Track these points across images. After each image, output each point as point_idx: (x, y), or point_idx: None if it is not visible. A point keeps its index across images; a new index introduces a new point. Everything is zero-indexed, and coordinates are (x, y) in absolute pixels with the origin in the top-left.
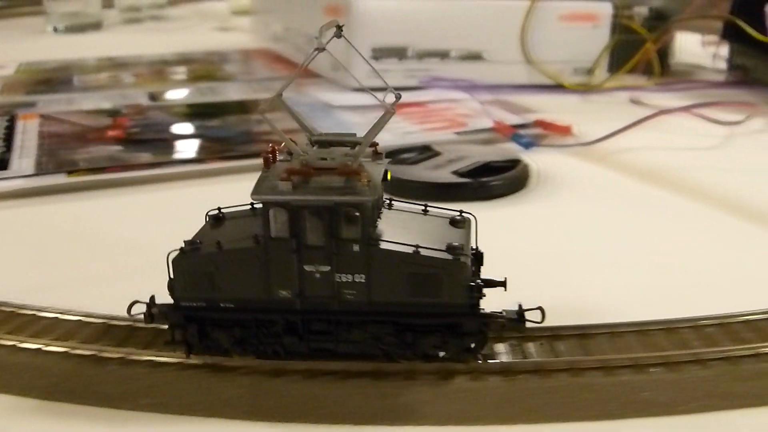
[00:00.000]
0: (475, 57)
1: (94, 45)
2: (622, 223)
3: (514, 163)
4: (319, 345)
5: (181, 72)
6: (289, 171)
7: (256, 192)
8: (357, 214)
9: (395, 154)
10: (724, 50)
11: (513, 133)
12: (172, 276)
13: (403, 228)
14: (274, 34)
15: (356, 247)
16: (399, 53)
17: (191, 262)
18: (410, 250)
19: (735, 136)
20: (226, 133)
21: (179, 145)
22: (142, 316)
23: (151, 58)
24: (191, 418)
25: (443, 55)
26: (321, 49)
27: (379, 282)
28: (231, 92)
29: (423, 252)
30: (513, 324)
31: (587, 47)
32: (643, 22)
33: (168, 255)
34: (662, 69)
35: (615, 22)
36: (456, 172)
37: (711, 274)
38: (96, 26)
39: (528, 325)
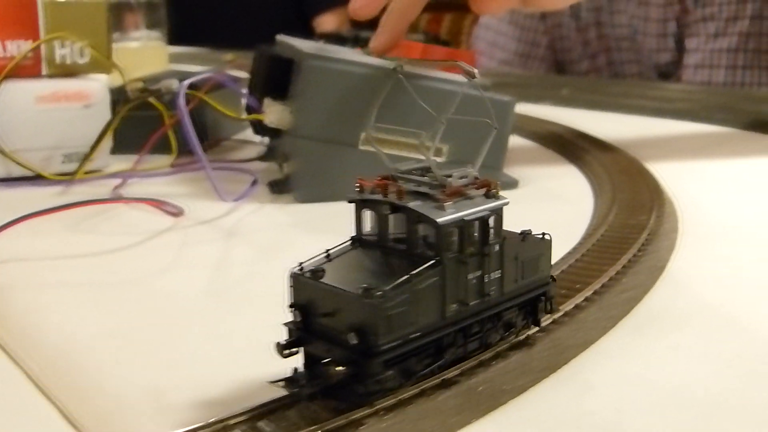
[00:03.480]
0: None
1: None
2: None
3: None
4: (473, 347)
5: None
6: (451, 194)
7: (441, 217)
8: (500, 216)
9: None
10: None
11: None
12: (374, 321)
13: None
14: None
15: (497, 247)
16: None
17: (393, 302)
18: (521, 238)
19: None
20: None
21: None
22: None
23: None
24: None
25: None
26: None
27: (507, 273)
28: None
29: (529, 238)
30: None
31: (80, 130)
32: (172, 96)
33: (363, 302)
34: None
35: (125, 98)
36: None
37: None
38: None
39: None
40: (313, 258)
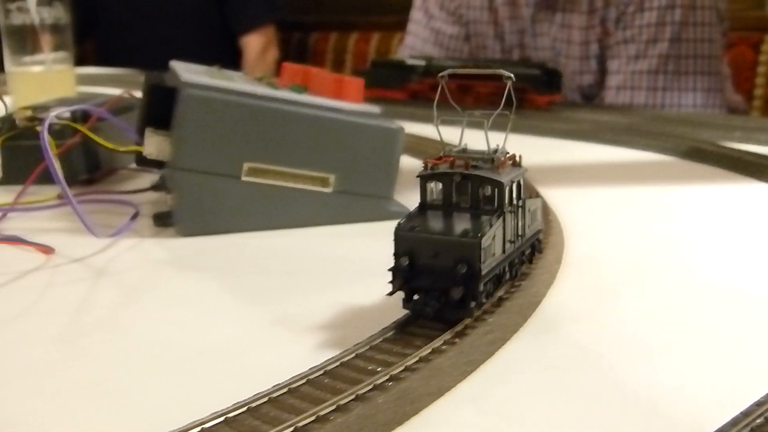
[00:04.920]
0: None
1: None
2: None
3: None
4: (512, 275)
5: None
6: (500, 165)
7: (504, 179)
8: (525, 179)
9: None
10: None
11: None
12: (476, 253)
13: None
14: None
15: (523, 201)
16: None
17: (486, 239)
18: (528, 196)
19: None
20: None
21: None
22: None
23: None
24: None
25: None
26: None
27: (526, 221)
28: None
29: (533, 196)
30: None
31: None
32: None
33: (468, 240)
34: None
35: (11, 127)
36: None
37: None
38: None
39: None
40: (401, 219)
